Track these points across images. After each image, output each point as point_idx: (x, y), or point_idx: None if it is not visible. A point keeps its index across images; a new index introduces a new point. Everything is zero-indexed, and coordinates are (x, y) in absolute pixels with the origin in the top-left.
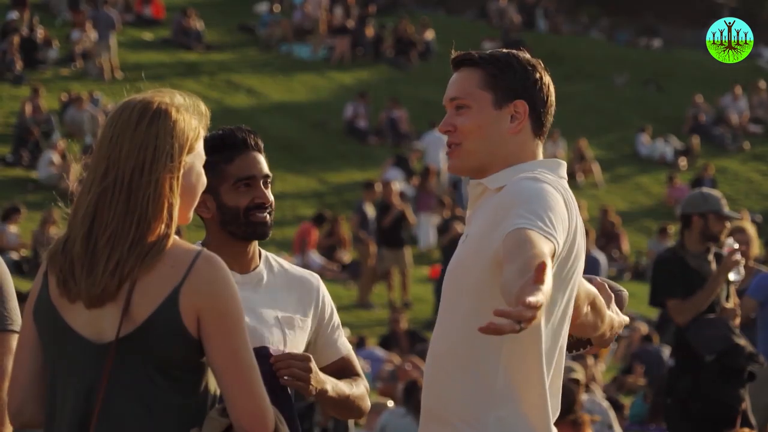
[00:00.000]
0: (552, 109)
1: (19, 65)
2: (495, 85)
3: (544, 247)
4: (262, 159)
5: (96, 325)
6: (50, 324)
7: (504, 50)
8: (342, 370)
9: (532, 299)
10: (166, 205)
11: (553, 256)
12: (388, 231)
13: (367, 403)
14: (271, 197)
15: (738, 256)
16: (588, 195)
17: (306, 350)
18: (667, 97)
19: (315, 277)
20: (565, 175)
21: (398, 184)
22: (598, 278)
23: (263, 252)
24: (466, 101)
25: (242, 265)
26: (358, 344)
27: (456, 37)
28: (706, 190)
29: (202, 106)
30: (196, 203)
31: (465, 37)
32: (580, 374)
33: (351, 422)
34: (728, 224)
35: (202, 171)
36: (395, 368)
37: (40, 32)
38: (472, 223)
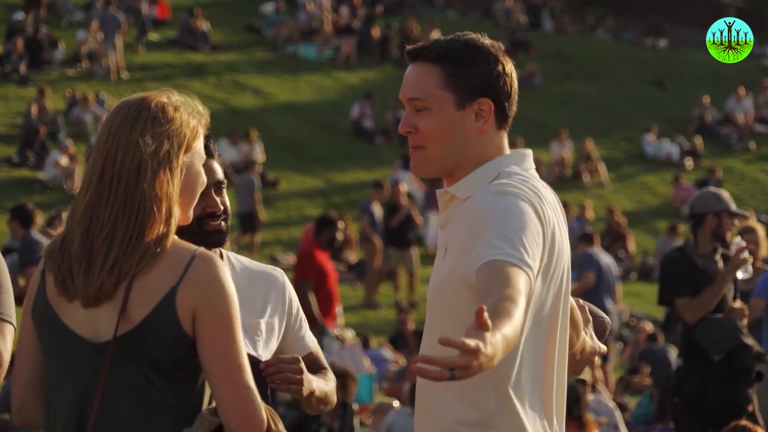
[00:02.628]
0: (516, 98)
1: (24, 66)
2: (456, 85)
3: (519, 281)
4: (213, 164)
5: (93, 325)
6: (47, 323)
7: (463, 38)
8: (311, 364)
9: (470, 343)
10: (164, 204)
11: (529, 288)
12: (395, 231)
13: (336, 397)
14: (226, 203)
15: (746, 254)
16: (594, 195)
17: (277, 349)
18: (673, 97)
19: (279, 272)
20: (532, 165)
21: (406, 185)
22: (580, 300)
23: (225, 252)
24: (425, 103)
25: None
26: (363, 344)
27: None
28: (714, 189)
29: (200, 106)
30: (195, 202)
31: None
32: (586, 374)
33: (356, 422)
34: (737, 222)
35: (202, 170)
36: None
37: (45, 33)
38: (446, 234)
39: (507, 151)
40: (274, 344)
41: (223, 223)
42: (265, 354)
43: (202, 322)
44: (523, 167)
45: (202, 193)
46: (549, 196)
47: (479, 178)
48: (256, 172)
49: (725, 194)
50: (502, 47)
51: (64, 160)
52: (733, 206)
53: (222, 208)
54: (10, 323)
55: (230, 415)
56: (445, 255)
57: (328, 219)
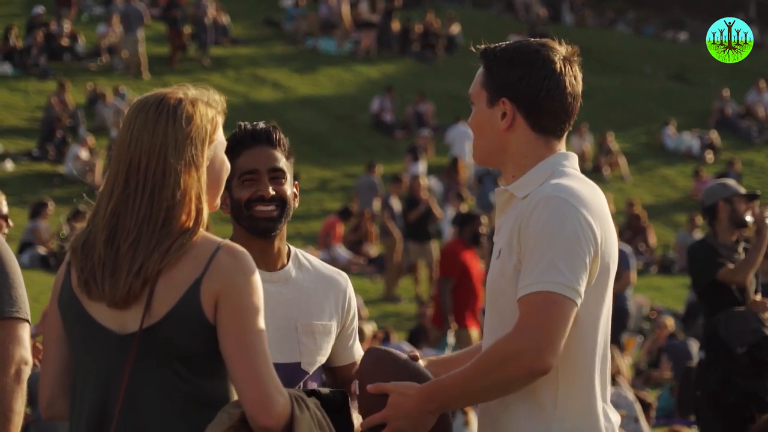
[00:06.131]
0: (553, 105)
1: (44, 60)
2: (488, 83)
3: (560, 314)
4: (271, 152)
5: (119, 318)
6: (73, 314)
7: (520, 43)
8: (349, 375)
9: None
10: (192, 203)
11: (573, 314)
12: (414, 224)
13: None
14: (282, 192)
15: (757, 210)
16: (614, 188)
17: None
18: (693, 90)
19: (344, 278)
20: (577, 166)
21: (426, 179)
22: None
23: (293, 249)
24: (473, 98)
25: (268, 263)
26: (384, 339)
27: (482, 31)
28: (718, 179)
29: (216, 95)
30: (222, 189)
31: (491, 31)
32: None
33: None
34: (752, 205)
35: (225, 157)
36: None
37: (66, 27)
38: (500, 234)
39: (560, 151)
40: (327, 348)
41: (275, 211)
42: (309, 358)
43: (221, 310)
44: (572, 166)
45: (255, 178)
46: (600, 195)
47: (535, 176)
48: (377, 174)
49: (730, 180)
50: (567, 58)
51: (84, 154)
52: (742, 189)
53: (273, 193)
54: (26, 320)
55: (247, 401)
56: (498, 257)
57: (470, 215)
